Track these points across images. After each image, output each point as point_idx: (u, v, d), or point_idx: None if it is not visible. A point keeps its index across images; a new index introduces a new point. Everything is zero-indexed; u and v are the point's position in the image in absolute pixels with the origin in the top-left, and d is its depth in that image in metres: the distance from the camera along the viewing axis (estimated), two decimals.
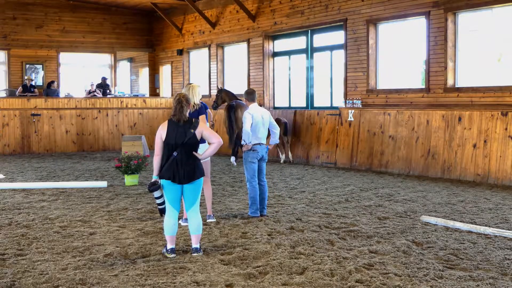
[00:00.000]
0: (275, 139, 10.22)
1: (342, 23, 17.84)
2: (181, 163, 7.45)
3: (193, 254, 7.53)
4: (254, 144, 9.84)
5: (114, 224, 9.41)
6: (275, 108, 20.62)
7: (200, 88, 9.52)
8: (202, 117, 9.14)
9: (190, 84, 9.52)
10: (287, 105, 20.54)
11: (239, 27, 22.04)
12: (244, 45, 21.99)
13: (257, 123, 9.88)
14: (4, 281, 6.42)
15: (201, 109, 9.30)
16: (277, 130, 10.24)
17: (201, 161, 7.80)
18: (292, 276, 6.56)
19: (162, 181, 7.52)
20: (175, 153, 7.45)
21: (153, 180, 7.53)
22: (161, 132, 7.50)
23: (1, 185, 13.64)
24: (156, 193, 7.55)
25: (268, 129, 10.19)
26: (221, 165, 17.71)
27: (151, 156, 16.71)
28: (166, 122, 7.59)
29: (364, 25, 17.09)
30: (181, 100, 7.50)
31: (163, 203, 7.61)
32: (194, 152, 7.55)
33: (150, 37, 27.67)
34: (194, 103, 9.32)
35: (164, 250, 7.64)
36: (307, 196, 12.08)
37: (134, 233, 8.72)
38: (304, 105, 19.79)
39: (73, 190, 13.02)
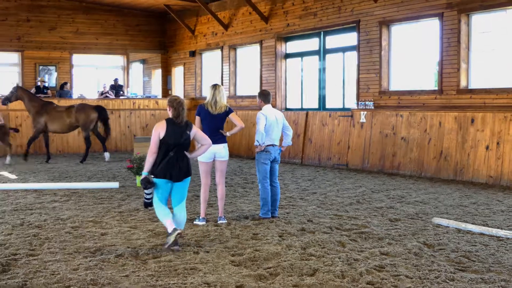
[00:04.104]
0: (288, 140, 10.21)
1: (354, 24, 17.81)
2: (177, 162, 7.85)
3: (174, 248, 7.76)
4: (267, 145, 9.84)
5: (125, 225, 9.43)
6: (287, 109, 20.61)
7: (224, 89, 9.67)
8: (233, 114, 9.59)
9: (216, 85, 9.57)
10: (299, 107, 20.52)
11: (252, 28, 22.05)
12: (256, 47, 21.99)
13: (271, 124, 9.87)
14: (16, 281, 6.45)
15: (229, 109, 9.58)
16: (290, 132, 10.22)
17: (221, 160, 8.81)
18: (303, 278, 6.55)
19: (155, 180, 7.88)
20: (171, 153, 7.81)
21: (144, 177, 7.84)
22: (160, 131, 7.83)
23: (14, 186, 13.71)
24: (149, 190, 7.92)
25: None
26: (232, 166, 17.70)
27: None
28: (164, 121, 7.93)
29: (377, 27, 17.05)
30: (182, 103, 7.93)
31: (151, 198, 7.98)
32: (185, 152, 7.97)
33: (163, 38, 27.73)
34: (223, 104, 9.41)
35: (168, 238, 7.83)
36: (318, 197, 12.06)
37: (145, 234, 8.73)
38: (316, 106, 19.77)
39: (85, 191, 13.06)
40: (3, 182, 14.63)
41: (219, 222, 9.54)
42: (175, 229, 7.78)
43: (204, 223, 9.49)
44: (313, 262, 7.11)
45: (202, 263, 7.16)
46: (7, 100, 19.50)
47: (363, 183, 14.12)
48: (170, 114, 8.01)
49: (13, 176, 15.94)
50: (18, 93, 19.49)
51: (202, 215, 9.62)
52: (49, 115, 19.30)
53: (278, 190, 10.13)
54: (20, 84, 24.67)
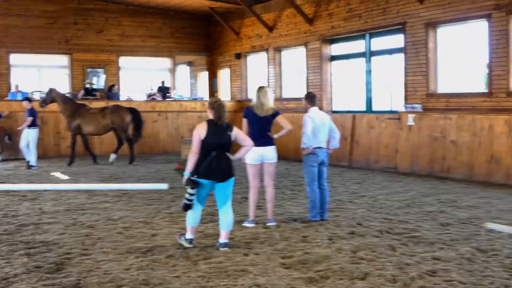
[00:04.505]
0: (336, 143, 10.18)
1: (400, 26, 17.66)
2: (219, 163, 7.89)
3: (221, 249, 7.96)
4: (315, 148, 9.82)
5: (175, 226, 9.51)
6: (333, 112, 20.53)
7: (271, 91, 9.69)
8: (280, 116, 9.62)
9: (263, 87, 9.59)
10: (346, 109, 20.43)
11: (297, 31, 22.03)
12: (301, 49, 21.96)
13: (318, 126, 9.85)
14: (70, 280, 6.57)
15: (276, 111, 9.59)
16: (337, 134, 10.19)
17: (269, 162, 9.06)
18: (353, 281, 6.52)
19: (197, 180, 7.91)
20: (213, 153, 7.87)
21: (187, 178, 7.90)
22: (201, 132, 7.93)
23: (66, 186, 13.94)
24: (192, 191, 7.91)
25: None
26: (280, 168, 17.64)
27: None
28: (205, 122, 8.03)
29: (423, 29, 16.87)
30: (223, 105, 8.07)
31: (193, 199, 7.98)
32: (227, 153, 8.02)
33: (208, 41, 27.87)
34: (269, 107, 9.43)
35: (183, 238, 8.11)
36: (367, 201, 12.00)
37: (196, 235, 8.78)
38: (363, 109, 19.66)
39: (135, 192, 13.21)
40: (56, 183, 14.89)
41: (268, 224, 9.56)
42: (190, 242, 8.05)
43: (253, 225, 9.52)
44: (364, 266, 7.07)
45: (252, 265, 7.18)
46: (43, 102, 19.71)
47: (412, 186, 13.99)
48: (210, 116, 8.09)
49: (65, 177, 16.22)
50: (52, 95, 19.67)
51: (251, 217, 9.65)
52: (83, 117, 19.43)
53: (327, 192, 10.11)
54: (69, 87, 25.13)
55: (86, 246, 8.24)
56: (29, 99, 19.30)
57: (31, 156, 18.64)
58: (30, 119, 18.55)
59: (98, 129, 19.76)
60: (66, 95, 20.33)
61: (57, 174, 16.82)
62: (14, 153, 20.90)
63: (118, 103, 23.39)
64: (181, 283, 6.51)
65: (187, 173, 7.94)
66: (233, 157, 8.15)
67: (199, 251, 7.84)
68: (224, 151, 8.01)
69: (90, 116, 19.55)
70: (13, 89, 23.26)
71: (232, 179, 8.14)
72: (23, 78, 24.96)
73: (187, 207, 8.00)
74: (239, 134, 8.24)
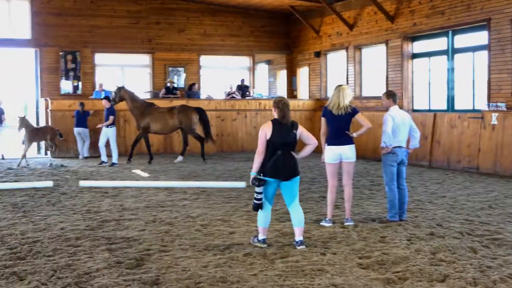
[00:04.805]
0: (416, 142, 10.01)
1: (485, 23, 17.20)
2: (284, 161, 7.94)
3: (298, 247, 7.96)
4: (394, 147, 9.69)
5: (253, 224, 9.56)
6: (414, 110, 20.21)
7: (350, 89, 9.60)
8: (359, 115, 9.51)
9: (340, 85, 9.52)
10: (427, 108, 20.06)
11: (377, 28, 21.78)
12: (382, 47, 21.70)
13: (398, 125, 9.71)
14: (149, 276, 6.69)
15: (354, 109, 9.48)
16: (417, 134, 10.01)
17: (348, 161, 9.15)
18: (432, 283, 6.41)
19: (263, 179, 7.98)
20: (279, 152, 7.93)
21: (254, 177, 7.97)
22: (266, 131, 8.00)
23: (146, 184, 14.22)
24: (259, 189, 7.97)
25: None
26: (358, 167, 17.49)
27: None
28: (270, 122, 8.08)
29: (509, 25, 16.38)
30: (288, 104, 8.13)
31: (261, 199, 8.02)
32: (292, 152, 8.04)
33: (288, 39, 27.87)
34: (344, 105, 9.36)
35: (256, 240, 8.16)
36: (447, 201, 11.75)
37: (273, 234, 8.81)
38: (444, 107, 19.26)
39: (213, 190, 13.36)
40: (136, 180, 15.21)
41: (346, 224, 9.50)
42: (264, 242, 8.08)
43: (330, 224, 9.48)
44: (444, 268, 6.93)
45: (329, 265, 7.15)
46: (112, 101, 19.88)
47: (495, 187, 13.62)
48: (275, 115, 8.16)
49: (145, 175, 16.55)
50: (121, 93, 19.92)
51: (328, 216, 9.61)
52: (152, 116, 19.65)
53: (406, 192, 9.96)
54: (151, 86, 25.60)
55: (165, 242, 8.38)
56: (108, 98, 19.72)
57: (113, 154, 19.08)
58: (112, 118, 18.99)
59: (165, 129, 19.97)
60: (135, 93, 20.67)
61: (138, 172, 17.18)
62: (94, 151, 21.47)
63: (198, 101, 23.74)
64: (258, 281, 6.54)
65: (253, 173, 8.03)
66: (298, 156, 8.17)
67: (276, 250, 7.86)
68: (290, 150, 8.05)
69: (158, 115, 19.76)
70: (97, 88, 23.88)
71: (298, 177, 8.17)
72: (107, 77, 25.56)
73: (257, 207, 8.08)
74: (304, 132, 8.26)
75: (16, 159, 19.90)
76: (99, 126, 19.79)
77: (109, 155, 19.52)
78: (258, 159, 8.01)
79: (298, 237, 8.11)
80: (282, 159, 7.96)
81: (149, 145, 20.02)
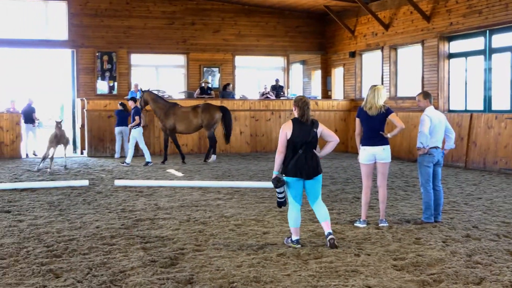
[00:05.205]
0: (451, 143, 9.91)
1: None
2: (306, 160, 7.98)
3: (329, 238, 8.06)
4: (431, 148, 9.60)
5: (286, 225, 9.53)
6: (449, 111, 20.00)
7: (385, 90, 9.54)
8: (393, 115, 9.43)
9: (375, 86, 9.47)
10: (463, 108, 19.84)
11: (413, 28, 21.60)
12: (418, 47, 21.52)
13: (435, 126, 9.63)
14: (184, 275, 6.73)
15: (388, 110, 9.41)
16: (452, 134, 9.92)
17: (382, 162, 9.17)
18: (468, 286, 6.34)
19: (286, 178, 8.08)
20: (300, 151, 7.99)
21: (275, 176, 8.07)
22: (287, 131, 8.08)
23: (180, 183, 14.29)
24: (280, 189, 8.05)
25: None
26: (393, 168, 17.39)
27: (323, 158, 16.82)
28: (290, 121, 8.14)
29: None
30: (307, 102, 8.15)
31: (284, 197, 8.12)
32: (314, 150, 8.10)
33: (323, 40, 27.79)
34: (378, 105, 9.30)
35: (289, 240, 8.17)
36: (484, 203, 11.60)
37: (306, 234, 8.80)
38: (481, 108, 19.02)
39: (247, 190, 13.37)
40: (171, 180, 15.30)
41: (380, 225, 9.44)
42: (297, 242, 8.08)
43: (365, 225, 9.42)
44: (480, 271, 6.85)
45: (363, 266, 7.11)
46: (139, 105, 19.98)
47: None
48: (295, 113, 8.21)
49: (179, 174, 16.64)
50: (144, 97, 20.02)
51: (363, 217, 9.56)
52: (177, 116, 19.63)
53: (441, 194, 9.87)
54: (185, 86, 25.72)
55: (199, 242, 8.42)
56: (134, 99, 19.87)
57: (145, 154, 19.21)
58: (137, 118, 19.13)
59: (189, 128, 19.91)
60: (158, 94, 20.72)
61: (172, 171, 17.27)
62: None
63: (232, 101, 23.81)
64: (292, 281, 6.53)
65: (275, 172, 8.13)
66: (320, 154, 8.21)
67: (309, 250, 7.84)
68: (311, 148, 8.09)
69: (182, 114, 19.72)
70: (132, 88, 24.07)
71: (320, 176, 8.22)
72: (142, 77, 25.75)
73: (280, 204, 8.21)
74: (325, 130, 8.28)
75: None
76: (129, 126, 19.98)
77: (140, 155, 19.66)
78: (279, 158, 8.11)
79: (328, 229, 8.19)
80: (303, 157, 8.01)
81: (178, 144, 20.05)
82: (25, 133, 22.39)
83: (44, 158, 17.49)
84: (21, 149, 22.22)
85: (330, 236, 8.08)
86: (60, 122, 17.84)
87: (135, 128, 19.11)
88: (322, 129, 8.23)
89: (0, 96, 27.20)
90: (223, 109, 19.92)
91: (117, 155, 21.74)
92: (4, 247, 8.07)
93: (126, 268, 7.01)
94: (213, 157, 19.68)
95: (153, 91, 20.89)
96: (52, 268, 7.00)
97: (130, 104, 19.70)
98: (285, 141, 8.09)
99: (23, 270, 6.97)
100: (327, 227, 8.20)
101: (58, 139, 17.45)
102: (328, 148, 8.31)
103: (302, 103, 8.13)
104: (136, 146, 19.55)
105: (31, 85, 38.93)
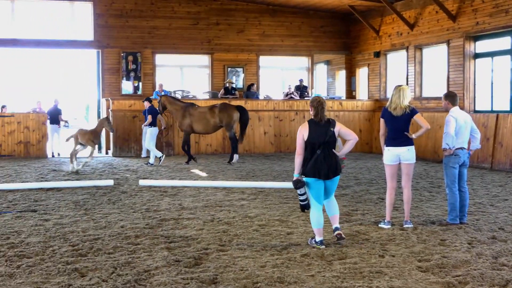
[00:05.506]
0: (477, 144, 9.83)
1: None
2: (325, 160, 8.00)
3: (336, 232, 8.24)
4: (457, 149, 9.53)
5: (310, 225, 9.50)
6: (475, 111, 19.83)
7: (409, 90, 9.50)
8: (418, 115, 9.36)
9: (400, 86, 9.42)
10: (489, 109, 19.66)
11: (439, 28, 21.45)
12: (443, 47, 21.36)
13: (461, 127, 9.56)
14: (207, 275, 6.74)
15: (413, 110, 9.36)
16: (478, 135, 9.84)
17: (407, 163, 9.17)
18: None
19: (306, 179, 8.10)
20: (318, 151, 8.01)
21: (295, 179, 8.10)
22: (303, 132, 8.10)
23: (204, 183, 14.33)
24: (301, 190, 8.11)
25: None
26: (417, 169, 17.28)
27: (347, 159, 16.73)
28: (306, 123, 8.16)
29: None
30: (321, 102, 8.20)
31: (306, 199, 8.17)
32: (333, 150, 8.13)
33: (347, 40, 27.69)
34: (403, 106, 9.25)
35: (313, 241, 8.16)
36: (510, 204, 11.48)
37: (330, 235, 8.76)
38: (507, 108, 18.83)
39: (271, 190, 13.37)
40: (195, 180, 15.35)
41: (405, 226, 9.38)
42: (321, 243, 8.08)
43: (389, 226, 9.38)
44: (506, 273, 6.78)
45: (388, 267, 7.07)
46: (159, 109, 20.18)
47: None
48: (311, 114, 8.26)
49: (203, 174, 16.68)
50: (162, 101, 20.11)
51: (387, 218, 9.51)
52: (193, 117, 19.64)
53: (467, 195, 9.79)
54: (210, 86, 25.79)
55: (223, 242, 8.43)
56: (149, 100, 20.07)
57: (150, 154, 19.38)
58: (150, 117, 19.31)
59: (207, 128, 19.88)
60: (174, 96, 20.77)
61: (196, 171, 17.32)
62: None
63: (256, 102, 23.83)
64: (316, 282, 6.52)
65: (295, 174, 8.15)
66: (339, 153, 8.24)
67: (334, 251, 7.82)
68: (329, 148, 8.11)
69: (199, 115, 19.73)
70: (157, 88, 24.19)
71: (338, 177, 8.27)
72: (166, 77, 25.87)
73: (303, 207, 8.28)
74: (342, 129, 8.31)
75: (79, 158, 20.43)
76: (143, 125, 20.20)
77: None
78: (297, 160, 8.15)
79: (336, 224, 8.31)
80: (322, 158, 8.04)
81: (189, 146, 20.05)
82: (50, 134, 22.63)
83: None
84: (47, 149, 22.44)
85: (337, 231, 8.21)
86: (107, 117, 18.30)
87: (149, 127, 19.28)
88: (339, 128, 8.26)
89: (26, 97, 27.47)
90: (240, 109, 19.91)
91: (143, 154, 21.86)
92: (30, 246, 8.15)
93: (151, 268, 7.04)
94: (235, 157, 19.66)
95: (170, 94, 21.05)
96: (77, 267, 7.06)
97: (146, 105, 19.88)
98: (302, 143, 8.12)
99: (49, 268, 7.04)
100: (335, 222, 8.32)
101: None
102: (347, 147, 8.32)
103: (317, 103, 8.19)
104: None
105: (57, 85, 39.31)
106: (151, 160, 19.20)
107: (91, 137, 17.39)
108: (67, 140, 18.06)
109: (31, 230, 9.24)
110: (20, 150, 22.05)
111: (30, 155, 21.99)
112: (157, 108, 20.05)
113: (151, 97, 21.11)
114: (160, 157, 19.20)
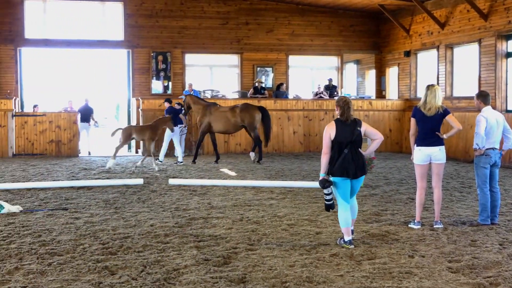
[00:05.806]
0: (510, 144, 9.72)
1: None
2: (352, 159, 8.04)
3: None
4: (487, 149, 9.43)
5: (339, 225, 9.49)
6: (507, 111, 19.59)
7: (440, 90, 9.44)
8: (450, 115, 9.31)
9: (433, 86, 9.36)
10: None
11: (470, 27, 21.23)
12: (474, 46, 21.14)
13: (492, 126, 9.46)
14: (236, 274, 6.76)
15: (446, 110, 9.31)
16: (511, 135, 9.72)
17: (437, 163, 9.17)
18: None
19: (334, 178, 8.15)
20: (346, 150, 8.05)
21: (322, 178, 8.14)
22: (330, 132, 8.15)
23: (233, 183, 14.34)
24: (328, 190, 8.13)
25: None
26: (448, 169, 17.12)
27: (377, 158, 16.63)
28: (333, 122, 8.23)
29: None
30: (348, 101, 8.24)
31: (332, 199, 8.20)
32: (359, 149, 8.16)
33: (377, 39, 27.53)
34: (437, 106, 9.18)
35: (342, 241, 8.15)
36: None
37: (360, 235, 8.74)
38: None
39: (300, 190, 13.34)
40: (224, 179, 15.38)
41: (435, 226, 9.31)
42: (350, 243, 8.07)
43: (419, 227, 9.31)
44: None
45: (418, 268, 7.03)
46: (185, 112, 20.34)
47: None
48: (337, 113, 8.28)
49: (233, 173, 16.71)
50: (186, 100, 20.17)
51: (417, 218, 9.44)
52: (213, 116, 19.61)
53: (499, 195, 9.69)
54: (239, 86, 25.83)
55: (252, 241, 8.44)
56: (169, 100, 20.31)
57: (160, 152, 19.63)
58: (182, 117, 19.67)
59: (228, 128, 19.84)
60: (203, 95, 20.83)
61: (226, 171, 17.36)
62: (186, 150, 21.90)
63: (285, 101, 23.81)
64: (345, 282, 6.50)
65: (322, 174, 8.19)
66: (365, 153, 8.31)
67: (363, 251, 7.79)
68: (356, 147, 8.15)
69: (220, 114, 19.70)
70: (187, 88, 24.28)
71: (363, 176, 8.32)
72: (196, 77, 25.96)
73: (328, 207, 8.28)
74: (368, 128, 8.37)
75: (103, 157, 20.74)
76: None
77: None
78: (324, 159, 8.20)
79: (351, 227, 8.38)
80: (349, 157, 8.07)
81: (200, 145, 20.14)
82: (80, 131, 22.88)
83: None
84: (78, 147, 22.67)
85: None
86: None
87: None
88: (365, 128, 8.31)
89: (58, 96, 27.79)
90: (261, 109, 19.87)
91: (178, 154, 21.97)
92: (61, 244, 8.24)
93: (180, 266, 7.08)
94: (252, 154, 19.71)
95: (199, 95, 21.17)
96: (107, 265, 7.12)
97: (166, 105, 20.07)
98: (329, 142, 8.17)
99: (80, 266, 7.11)
100: (351, 224, 8.37)
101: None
102: (373, 146, 8.41)
103: (343, 102, 8.23)
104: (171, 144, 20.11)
105: (88, 85, 39.65)
106: (180, 159, 19.31)
107: (151, 134, 17.57)
108: (113, 134, 18.03)
109: (62, 228, 9.34)
110: (51, 149, 22.30)
111: (61, 154, 22.22)
112: (182, 108, 20.15)
113: (182, 97, 21.24)
114: (159, 158, 19.44)
